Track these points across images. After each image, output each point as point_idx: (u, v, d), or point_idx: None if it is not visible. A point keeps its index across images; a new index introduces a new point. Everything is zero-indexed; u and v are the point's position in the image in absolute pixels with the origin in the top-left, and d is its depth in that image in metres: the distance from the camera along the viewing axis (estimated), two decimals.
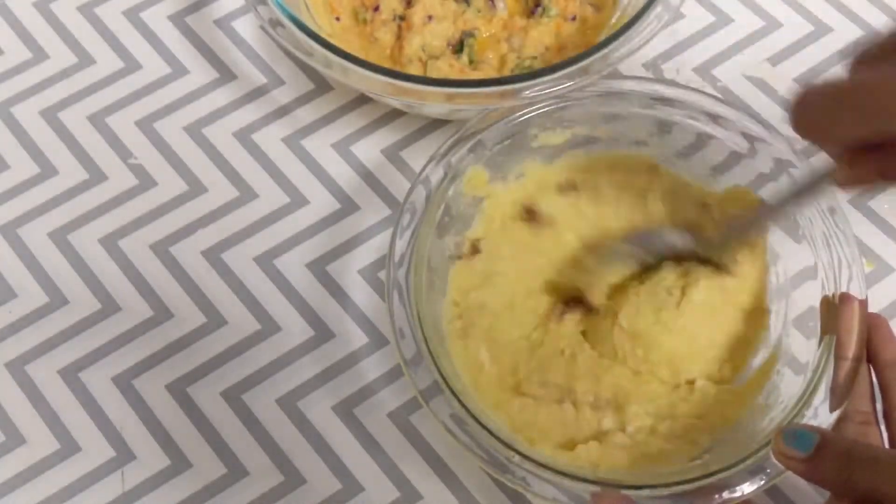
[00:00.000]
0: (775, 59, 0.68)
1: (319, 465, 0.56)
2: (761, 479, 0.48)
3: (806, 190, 0.49)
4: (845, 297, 0.51)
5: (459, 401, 0.49)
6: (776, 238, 0.56)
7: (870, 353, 0.50)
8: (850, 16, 0.69)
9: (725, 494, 0.47)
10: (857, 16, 0.69)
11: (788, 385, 0.51)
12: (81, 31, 0.69)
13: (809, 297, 0.53)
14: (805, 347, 0.52)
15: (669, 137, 0.57)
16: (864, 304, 0.51)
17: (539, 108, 0.57)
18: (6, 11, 0.70)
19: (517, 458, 0.48)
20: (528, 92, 0.57)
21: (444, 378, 0.50)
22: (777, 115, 0.66)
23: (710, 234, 0.55)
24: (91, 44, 0.69)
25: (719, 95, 0.61)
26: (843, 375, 0.49)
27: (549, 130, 0.57)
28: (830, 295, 0.52)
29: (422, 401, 0.50)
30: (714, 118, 0.56)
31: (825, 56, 0.68)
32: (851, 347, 0.50)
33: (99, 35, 0.69)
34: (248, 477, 0.56)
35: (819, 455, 0.44)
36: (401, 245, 0.53)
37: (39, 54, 0.69)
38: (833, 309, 0.51)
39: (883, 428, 0.49)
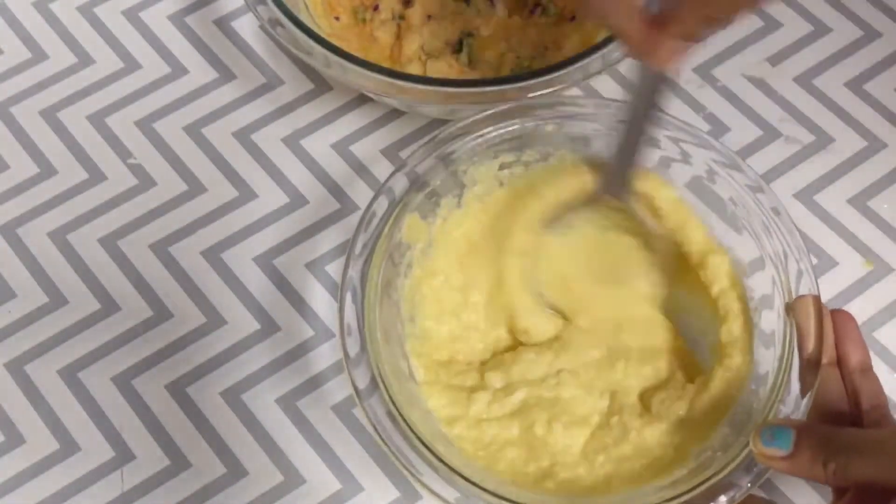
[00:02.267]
0: (775, 59, 0.68)
1: (319, 464, 0.56)
2: (754, 475, 0.47)
3: (643, 96, 0.48)
4: (800, 300, 0.50)
5: (426, 446, 0.49)
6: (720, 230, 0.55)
7: (839, 356, 0.50)
8: (849, 16, 0.69)
9: (722, 499, 0.47)
10: (857, 16, 0.69)
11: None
12: (81, 31, 0.69)
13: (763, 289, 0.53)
14: (771, 324, 0.52)
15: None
16: (817, 300, 0.50)
17: (470, 139, 0.56)
18: (6, 11, 0.70)
19: None
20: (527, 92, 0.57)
21: (398, 411, 0.49)
22: (776, 116, 0.66)
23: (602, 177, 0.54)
24: (91, 44, 0.69)
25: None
26: (807, 367, 0.49)
27: (477, 163, 0.56)
28: (786, 298, 0.51)
29: (379, 439, 0.49)
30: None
31: (825, 56, 0.68)
32: (810, 348, 0.49)
33: (99, 35, 0.69)
34: (248, 477, 0.56)
35: (799, 449, 0.43)
36: (353, 274, 0.52)
37: (39, 54, 0.69)
38: (790, 311, 0.51)
39: None
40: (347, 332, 0.51)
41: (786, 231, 0.52)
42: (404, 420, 0.49)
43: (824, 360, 0.49)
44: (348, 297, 0.51)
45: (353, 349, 0.50)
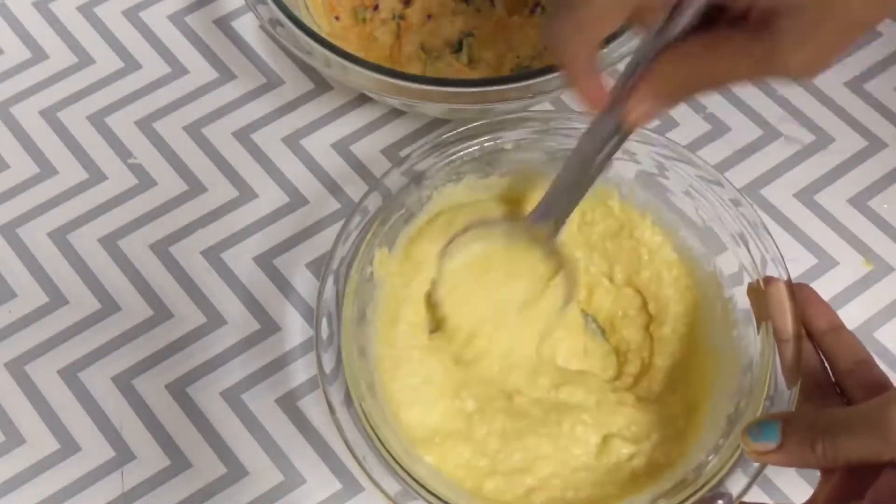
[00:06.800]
0: None
1: (319, 464, 0.56)
2: (749, 477, 0.47)
3: (599, 142, 0.47)
4: (770, 280, 0.51)
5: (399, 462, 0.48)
6: (698, 241, 0.56)
7: (805, 324, 0.50)
8: None
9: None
10: None
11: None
12: (81, 31, 0.69)
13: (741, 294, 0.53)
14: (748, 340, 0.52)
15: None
16: (789, 283, 0.50)
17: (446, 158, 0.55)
18: (6, 11, 0.70)
19: None
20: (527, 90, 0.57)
21: (374, 431, 0.49)
22: (777, 115, 0.66)
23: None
24: (91, 44, 0.69)
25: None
26: (788, 356, 0.49)
27: (441, 187, 0.56)
28: (755, 281, 0.51)
29: (352, 453, 0.49)
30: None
31: None
32: (789, 327, 0.49)
33: (99, 35, 0.69)
34: (248, 476, 0.56)
35: (786, 439, 0.43)
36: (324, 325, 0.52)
37: (39, 54, 0.69)
38: (761, 295, 0.51)
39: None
40: (324, 349, 0.50)
41: (764, 244, 0.52)
42: (378, 437, 0.48)
43: (793, 334, 0.49)
44: (324, 320, 0.51)
45: (329, 365, 0.50)
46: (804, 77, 0.39)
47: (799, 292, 0.50)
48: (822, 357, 0.49)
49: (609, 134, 0.46)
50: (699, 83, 0.42)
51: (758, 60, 0.39)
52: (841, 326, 0.49)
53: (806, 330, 0.50)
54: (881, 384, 0.47)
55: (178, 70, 0.68)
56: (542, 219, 0.52)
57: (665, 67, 0.42)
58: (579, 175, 0.49)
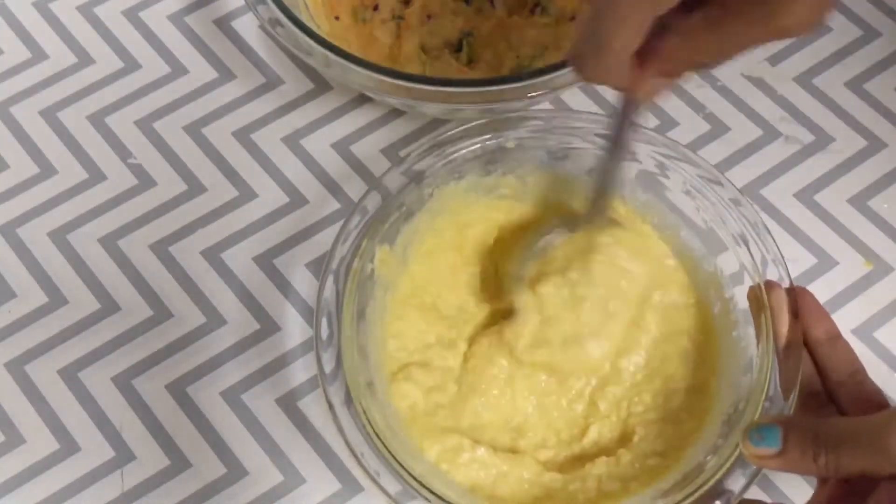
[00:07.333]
0: (775, 59, 0.68)
1: (319, 464, 0.56)
2: (748, 477, 0.47)
3: (623, 122, 0.47)
4: (770, 285, 0.50)
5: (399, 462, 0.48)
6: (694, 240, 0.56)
7: (802, 331, 0.50)
8: (850, 16, 0.69)
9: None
10: (857, 16, 0.69)
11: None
12: (81, 31, 0.69)
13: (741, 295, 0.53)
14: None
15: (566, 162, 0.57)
16: (791, 288, 0.50)
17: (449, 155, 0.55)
18: (6, 11, 0.70)
19: None
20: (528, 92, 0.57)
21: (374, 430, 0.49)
22: (777, 115, 0.66)
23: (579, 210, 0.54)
24: (91, 44, 0.69)
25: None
26: (787, 361, 0.48)
27: (443, 185, 0.56)
28: (756, 285, 0.51)
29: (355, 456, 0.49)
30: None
31: (825, 55, 0.68)
32: (785, 335, 0.49)
33: (98, 35, 0.69)
34: (248, 476, 0.56)
35: (788, 445, 0.43)
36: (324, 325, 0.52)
37: (39, 54, 0.69)
38: (761, 299, 0.51)
39: None
40: (324, 348, 0.50)
41: (764, 244, 0.52)
42: (378, 437, 0.48)
43: (792, 340, 0.49)
44: (323, 318, 0.51)
45: (329, 365, 0.50)
46: (804, 31, 0.38)
47: (798, 298, 0.50)
48: (816, 366, 0.49)
49: (627, 109, 0.46)
50: (706, 59, 0.41)
51: (758, 26, 0.38)
52: (837, 336, 0.49)
53: (803, 339, 0.50)
54: (873, 397, 0.47)
55: (178, 70, 0.68)
56: (588, 218, 0.52)
57: (670, 48, 0.41)
58: (611, 160, 0.49)
